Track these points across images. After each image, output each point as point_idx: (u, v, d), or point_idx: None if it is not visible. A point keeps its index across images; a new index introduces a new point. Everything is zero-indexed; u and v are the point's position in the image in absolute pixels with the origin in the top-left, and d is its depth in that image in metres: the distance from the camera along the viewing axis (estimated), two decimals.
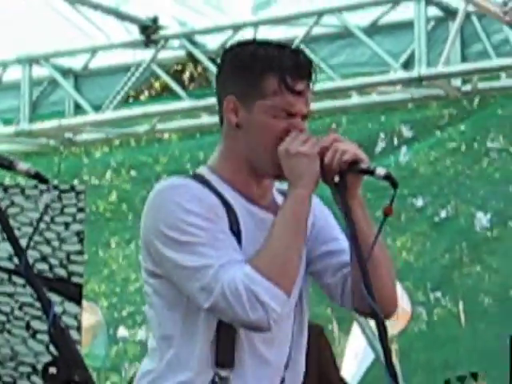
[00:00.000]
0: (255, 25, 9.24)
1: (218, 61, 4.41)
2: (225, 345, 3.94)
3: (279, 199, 4.03)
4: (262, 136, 4.02)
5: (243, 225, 3.89)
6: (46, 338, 5.59)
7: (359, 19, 9.11)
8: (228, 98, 4.03)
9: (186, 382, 3.91)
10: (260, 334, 3.85)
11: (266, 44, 4.25)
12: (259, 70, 4.01)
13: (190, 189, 3.90)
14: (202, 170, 4.05)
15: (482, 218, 9.68)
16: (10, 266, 7.90)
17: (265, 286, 3.68)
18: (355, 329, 10.00)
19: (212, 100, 9.22)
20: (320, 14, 9.10)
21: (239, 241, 3.83)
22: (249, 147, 4.03)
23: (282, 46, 4.17)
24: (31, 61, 10.13)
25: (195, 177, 4.01)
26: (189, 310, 3.98)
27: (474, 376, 6.46)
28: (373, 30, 9.10)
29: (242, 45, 4.42)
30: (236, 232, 3.83)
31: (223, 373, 3.89)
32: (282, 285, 3.70)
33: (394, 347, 8.92)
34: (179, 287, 3.88)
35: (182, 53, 9.93)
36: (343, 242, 3.97)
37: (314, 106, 9.23)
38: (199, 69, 10.27)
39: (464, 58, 8.91)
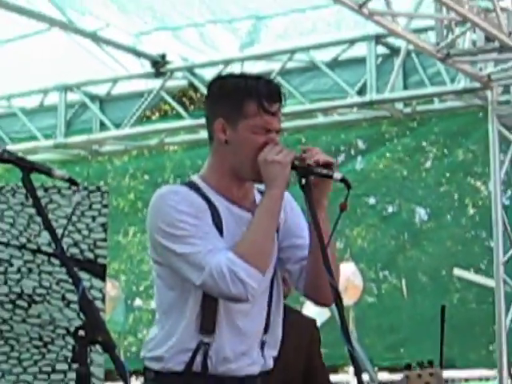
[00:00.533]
0: (242, 60, 9.26)
1: None
2: (207, 317, 4.10)
3: (258, 198, 4.16)
4: (245, 149, 4.12)
5: (224, 221, 4.03)
6: (77, 307, 5.62)
7: (323, 56, 9.13)
8: (217, 121, 4.12)
9: (176, 345, 4.10)
10: (238, 306, 4.00)
11: (243, 76, 4.52)
12: (241, 96, 4.13)
13: (181, 194, 4.08)
14: (195, 178, 4.19)
15: (421, 213, 9.71)
16: (49, 250, 7.94)
17: (243, 267, 3.85)
18: None
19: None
20: (293, 51, 9.13)
21: (221, 233, 3.99)
22: (235, 158, 4.13)
23: (257, 77, 4.33)
24: (66, 88, 10.15)
25: (188, 183, 4.18)
26: (183, 290, 4.12)
27: (430, 362, 6.46)
28: (334, 64, 9.13)
29: (225, 77, 4.59)
30: (219, 226, 3.99)
31: (206, 339, 4.04)
32: (258, 266, 3.87)
33: (350, 315, 8.95)
34: (177, 270, 4.03)
35: (184, 82, 9.95)
36: (306, 240, 4.10)
37: (288, 124, 9.33)
38: (198, 94, 10.28)
39: (405, 87, 8.94)
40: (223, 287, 3.90)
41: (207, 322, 4.02)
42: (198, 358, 4.09)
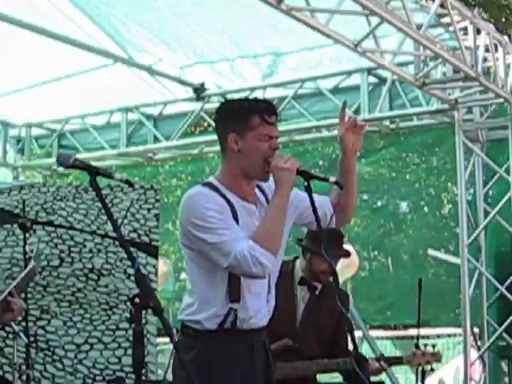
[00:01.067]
0: (263, 87, 9.32)
1: None
2: (234, 290, 4.30)
3: (257, 193, 4.46)
4: (254, 154, 4.34)
5: (239, 214, 4.25)
6: None
7: (327, 84, 9.18)
8: (230, 135, 4.32)
9: (212, 313, 4.27)
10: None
11: (245, 99, 5.09)
12: (246, 113, 4.36)
13: (205, 194, 4.28)
14: (212, 180, 4.41)
15: (403, 206, 9.74)
16: (113, 235, 8.06)
17: (261, 252, 4.05)
18: None
19: None
20: (303, 81, 9.16)
21: (237, 224, 4.21)
22: (246, 162, 4.32)
23: (256, 99, 4.72)
24: (127, 109, 10.21)
25: (208, 184, 4.35)
26: (211, 271, 4.32)
27: (433, 346, 6.52)
28: (335, 90, 9.15)
29: (229, 101, 5.01)
30: (235, 218, 4.21)
31: (234, 306, 4.24)
32: (272, 251, 4.08)
33: (348, 286, 9.05)
34: (206, 256, 4.21)
35: (218, 104, 10.03)
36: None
37: (300, 137, 9.46)
38: None
39: (391, 108, 8.98)
40: (246, 268, 4.10)
41: (234, 294, 4.28)
42: (229, 319, 4.28)
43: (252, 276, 4.20)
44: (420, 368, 6.95)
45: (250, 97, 9.41)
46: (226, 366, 4.29)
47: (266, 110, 4.34)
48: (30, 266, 4.23)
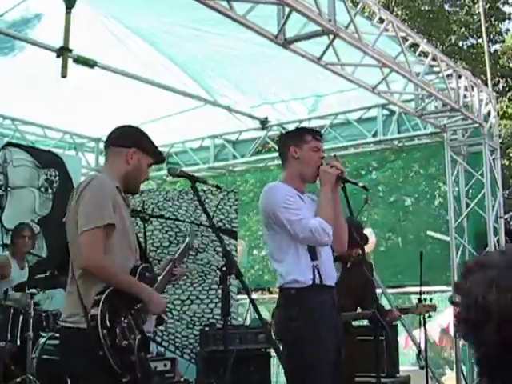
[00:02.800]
0: (309, 119, 9.30)
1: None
2: (312, 252, 4.22)
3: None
4: (308, 161, 4.40)
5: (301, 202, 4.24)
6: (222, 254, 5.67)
7: (354, 116, 9.15)
8: (291, 147, 4.37)
9: (303, 271, 4.18)
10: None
11: (301, 127, 5.57)
12: (302, 132, 4.53)
13: (283, 187, 4.30)
14: (279, 181, 4.45)
15: (408, 200, 9.73)
16: (207, 223, 8.08)
17: (327, 226, 4.09)
18: None
19: None
20: (336, 114, 9.18)
21: None
22: (302, 167, 4.38)
23: (306, 127, 4.80)
24: (214, 137, 10.31)
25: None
26: (291, 241, 4.22)
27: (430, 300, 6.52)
28: (359, 120, 9.15)
29: (284, 133, 5.03)
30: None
31: (315, 263, 4.14)
32: (331, 225, 4.11)
33: (371, 258, 8.98)
34: (288, 230, 4.12)
35: (277, 132, 9.98)
36: None
37: (337, 153, 9.40)
38: None
39: (399, 131, 8.96)
40: (318, 238, 4.10)
41: (313, 254, 4.17)
42: (317, 276, 4.16)
43: (322, 244, 4.19)
44: (422, 316, 6.96)
45: (299, 126, 9.51)
46: (324, 312, 4.21)
47: (314, 131, 4.55)
48: (186, 241, 4.21)
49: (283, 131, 9.70)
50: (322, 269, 4.20)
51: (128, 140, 3.73)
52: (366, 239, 6.22)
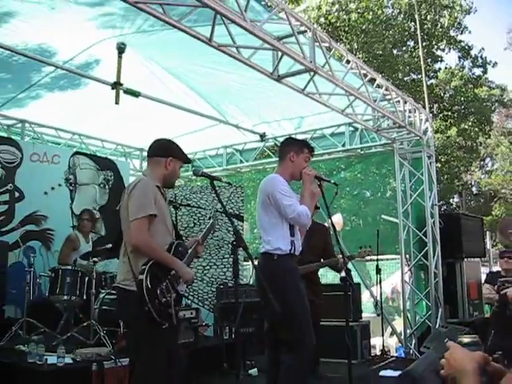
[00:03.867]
0: (295, 134, 9.25)
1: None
2: (291, 230, 4.25)
3: None
4: (299, 167, 4.42)
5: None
6: (232, 232, 5.66)
7: (328, 131, 9.15)
8: (291, 153, 4.39)
9: (284, 243, 4.23)
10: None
11: (303, 141, 4.88)
12: (304, 146, 4.50)
13: (280, 179, 4.30)
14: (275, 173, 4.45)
15: (367, 193, 9.59)
16: (221, 210, 8.06)
17: (308, 212, 4.16)
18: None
19: None
20: (315, 130, 9.25)
21: None
22: (294, 169, 4.40)
23: (307, 142, 4.81)
24: (226, 147, 10.25)
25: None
26: (280, 220, 4.23)
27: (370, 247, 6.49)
28: (332, 134, 9.11)
29: (292, 138, 5.04)
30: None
31: (292, 238, 4.19)
32: (310, 212, 4.17)
33: (341, 235, 8.91)
34: (281, 211, 4.15)
35: (272, 143, 9.93)
36: None
37: (315, 159, 9.36)
38: (276, 148, 10.31)
39: (361, 143, 8.96)
40: (302, 220, 4.17)
41: (292, 232, 4.31)
42: (292, 247, 4.17)
43: (303, 224, 4.25)
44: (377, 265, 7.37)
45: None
46: (296, 272, 4.30)
47: (311, 147, 4.53)
48: (210, 222, 4.21)
49: (277, 143, 9.71)
50: (295, 243, 4.27)
51: (165, 151, 3.84)
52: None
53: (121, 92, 6.31)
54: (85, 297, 6.24)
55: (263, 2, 5.47)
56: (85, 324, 5.99)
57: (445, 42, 22.13)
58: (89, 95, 7.74)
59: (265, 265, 4.23)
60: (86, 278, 6.32)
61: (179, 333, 3.96)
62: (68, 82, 7.53)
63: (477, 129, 22.26)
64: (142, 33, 6.15)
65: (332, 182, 4.53)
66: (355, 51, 19.23)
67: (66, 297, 6.20)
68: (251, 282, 8.85)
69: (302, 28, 5.52)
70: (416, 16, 15.01)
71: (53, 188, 8.32)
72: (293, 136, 9.42)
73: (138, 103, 7.16)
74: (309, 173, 4.35)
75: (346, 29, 20.01)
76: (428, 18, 21.33)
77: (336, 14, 19.46)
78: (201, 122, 8.75)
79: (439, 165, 19.48)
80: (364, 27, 19.85)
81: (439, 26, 21.60)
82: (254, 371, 6.35)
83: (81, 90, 7.71)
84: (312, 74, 5.82)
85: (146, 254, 3.50)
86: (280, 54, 5.50)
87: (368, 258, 10.78)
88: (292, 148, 4.43)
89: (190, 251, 3.90)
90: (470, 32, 22.25)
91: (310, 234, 5.67)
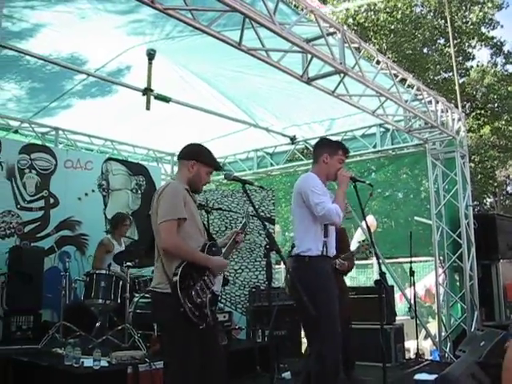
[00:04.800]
0: (325, 136, 9.25)
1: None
2: (325, 231, 4.23)
3: None
4: (333, 167, 4.44)
5: None
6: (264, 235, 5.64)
7: (359, 132, 9.11)
8: (325, 154, 4.41)
9: (317, 244, 4.24)
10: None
11: (338, 142, 4.84)
12: (338, 148, 4.50)
13: (315, 177, 4.32)
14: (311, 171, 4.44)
15: (400, 195, 9.54)
16: (253, 213, 8.11)
17: (339, 211, 4.12)
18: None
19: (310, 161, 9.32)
20: (345, 132, 9.26)
21: None
22: (329, 170, 4.42)
23: (341, 143, 4.74)
24: (257, 150, 10.24)
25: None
26: (313, 221, 4.22)
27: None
28: (363, 135, 9.08)
29: (326, 139, 5.05)
30: None
31: (325, 239, 4.19)
32: (342, 212, 4.16)
33: (374, 237, 8.83)
34: (311, 208, 4.15)
35: (303, 146, 9.92)
36: None
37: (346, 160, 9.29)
38: (306, 151, 10.21)
39: (392, 143, 8.89)
40: (332, 217, 4.13)
41: (325, 233, 4.13)
42: (325, 248, 4.15)
43: (333, 222, 4.19)
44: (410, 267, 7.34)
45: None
46: (327, 275, 4.26)
47: (346, 149, 4.52)
48: (243, 221, 4.21)
49: (307, 145, 9.69)
50: (328, 245, 4.25)
51: (189, 155, 3.87)
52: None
53: (151, 98, 6.37)
54: (119, 300, 6.30)
55: (292, 5, 5.47)
56: (119, 327, 6.06)
57: (476, 38, 21.79)
58: (120, 102, 7.84)
59: (297, 267, 4.22)
60: (121, 282, 6.39)
61: (218, 333, 3.94)
62: (99, 90, 7.65)
63: (511, 127, 21.86)
64: (171, 39, 6.22)
65: (367, 182, 4.51)
66: (384, 51, 19.07)
67: (100, 300, 6.27)
68: (283, 285, 8.83)
69: (331, 29, 5.50)
70: (447, 13, 14.83)
71: (86, 194, 8.45)
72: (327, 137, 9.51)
73: (168, 108, 7.22)
74: (344, 174, 4.35)
75: (375, 29, 19.86)
76: (458, 15, 21.05)
77: (364, 14, 19.34)
78: (231, 125, 8.78)
79: (472, 165, 19.17)
80: (393, 27, 19.68)
81: (470, 22, 21.29)
82: (287, 374, 6.32)
83: (112, 96, 7.81)
84: (342, 75, 5.79)
85: (177, 256, 3.53)
86: (309, 56, 5.49)
87: (401, 260, 10.62)
88: (326, 150, 4.42)
89: (229, 242, 3.95)
90: (502, 27, 21.86)
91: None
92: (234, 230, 4.11)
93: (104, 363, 5.09)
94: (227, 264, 3.86)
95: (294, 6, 5.40)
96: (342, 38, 5.57)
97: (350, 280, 10.44)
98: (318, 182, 4.26)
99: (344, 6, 18.61)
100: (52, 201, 8.06)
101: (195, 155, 3.85)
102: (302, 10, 5.22)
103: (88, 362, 5.04)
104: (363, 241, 6.26)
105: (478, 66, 22.74)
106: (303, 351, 7.88)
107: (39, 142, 8.68)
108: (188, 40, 6.13)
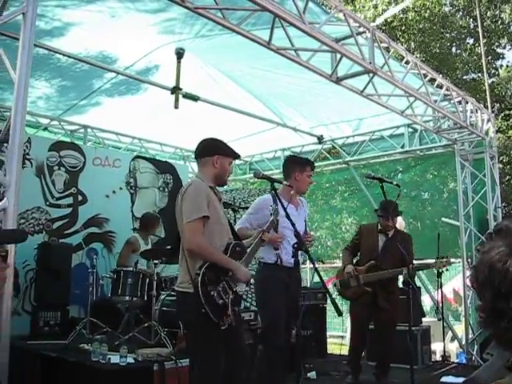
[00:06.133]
0: (353, 136, 9.20)
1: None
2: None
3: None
4: (304, 183, 4.80)
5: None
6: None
7: (386, 132, 9.04)
8: (296, 172, 4.85)
9: (271, 255, 4.66)
10: None
11: (303, 158, 5.43)
12: (305, 165, 4.92)
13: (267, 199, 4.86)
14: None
15: (426, 195, 9.43)
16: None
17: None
18: None
19: (338, 160, 9.22)
20: (373, 132, 9.14)
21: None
22: (298, 186, 4.81)
23: (308, 159, 5.26)
24: (284, 149, 10.19)
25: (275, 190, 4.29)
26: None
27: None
28: (391, 136, 9.03)
29: (294, 156, 5.72)
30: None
31: (277, 251, 4.01)
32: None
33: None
34: None
35: (329, 146, 9.88)
36: None
37: (374, 161, 9.17)
38: (334, 150, 10.19)
39: (420, 144, 8.83)
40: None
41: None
42: (278, 258, 4.39)
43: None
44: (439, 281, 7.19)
45: (346, 142, 9.37)
46: (279, 280, 4.48)
47: (312, 164, 4.95)
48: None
49: (334, 145, 9.64)
50: (283, 255, 4.57)
51: (210, 150, 3.83)
52: (399, 214, 6.27)
53: (180, 96, 6.39)
54: (145, 298, 6.33)
55: (321, 4, 5.43)
56: (146, 325, 6.08)
57: (506, 38, 21.46)
58: (148, 100, 7.88)
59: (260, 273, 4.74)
60: (147, 280, 6.41)
61: (243, 332, 3.92)
62: (127, 88, 7.69)
63: None
64: (200, 37, 6.22)
65: (394, 183, 4.49)
66: (412, 50, 18.88)
67: (127, 297, 6.30)
68: (309, 285, 8.77)
69: (361, 29, 5.45)
70: (477, 12, 14.61)
71: (114, 191, 8.51)
72: (350, 139, 9.45)
73: (196, 107, 7.23)
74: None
75: (403, 28, 19.66)
76: (488, 14, 20.75)
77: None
78: (258, 124, 8.77)
79: (501, 165, 18.89)
80: (421, 26, 19.46)
81: (500, 22, 20.97)
82: (312, 374, 6.30)
83: (140, 95, 7.85)
84: (371, 75, 5.74)
85: (201, 257, 3.53)
86: (339, 55, 5.45)
87: (429, 261, 10.53)
88: (296, 167, 4.85)
89: (255, 241, 3.95)
90: None
91: (391, 242, 5.59)
92: (259, 229, 4.10)
93: (130, 360, 5.11)
94: (250, 277, 3.80)
95: (323, 4, 5.36)
96: (372, 38, 5.52)
97: None
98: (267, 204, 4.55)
99: (372, 4, 18.45)
100: (80, 198, 8.13)
101: (217, 149, 3.83)
102: (331, 9, 5.18)
103: (114, 358, 5.06)
104: (442, 257, 6.10)
105: (507, 66, 22.42)
106: (328, 351, 7.87)
107: (68, 140, 8.77)
108: (217, 39, 6.12)
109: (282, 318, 4.42)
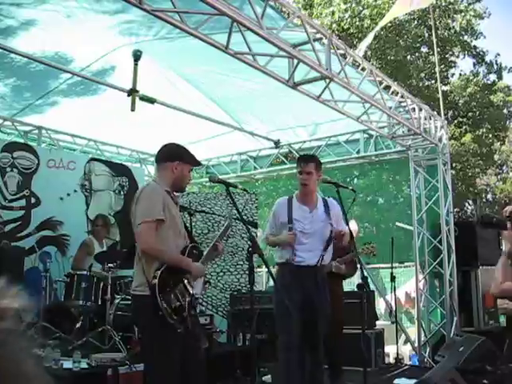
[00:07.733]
0: (310, 141, 9.30)
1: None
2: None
3: None
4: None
5: None
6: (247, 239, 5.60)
7: (343, 138, 9.14)
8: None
9: (284, 253, 4.64)
10: None
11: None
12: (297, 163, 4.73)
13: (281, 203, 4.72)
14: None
15: (381, 200, 9.59)
16: (236, 216, 8.07)
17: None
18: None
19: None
20: (329, 137, 9.26)
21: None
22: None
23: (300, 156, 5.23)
24: (241, 153, 10.19)
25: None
26: None
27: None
28: (346, 141, 9.14)
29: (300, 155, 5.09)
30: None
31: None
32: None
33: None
34: None
35: (286, 150, 9.93)
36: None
37: (331, 165, 9.27)
38: (291, 155, 10.23)
39: (376, 150, 8.96)
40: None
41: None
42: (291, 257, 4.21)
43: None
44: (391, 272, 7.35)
45: (302, 146, 9.44)
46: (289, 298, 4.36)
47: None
48: (226, 224, 4.22)
49: (291, 150, 9.72)
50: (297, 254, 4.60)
51: (171, 156, 3.80)
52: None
53: (137, 99, 6.34)
54: (100, 302, 6.26)
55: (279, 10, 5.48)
56: (100, 329, 6.02)
57: (459, 47, 22.02)
58: (105, 102, 7.79)
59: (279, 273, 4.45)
60: (101, 284, 6.35)
61: (199, 335, 3.91)
62: (84, 89, 7.59)
63: (491, 135, 22.13)
64: (158, 40, 6.20)
65: (350, 188, 4.55)
66: (368, 58, 19.19)
67: (81, 302, 6.24)
68: (264, 289, 8.82)
69: (318, 35, 5.52)
70: (432, 22, 14.94)
71: (68, 194, 8.38)
72: (307, 143, 9.53)
73: (153, 109, 7.19)
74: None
75: (359, 35, 19.97)
76: (441, 22, 21.25)
77: (349, 20, 19.44)
78: (216, 128, 8.77)
79: (454, 172, 19.36)
80: (377, 33, 19.80)
81: (453, 31, 21.51)
82: (267, 378, 6.33)
83: (97, 96, 7.77)
84: (328, 81, 5.82)
85: (155, 257, 3.51)
86: (296, 61, 5.51)
87: (382, 265, 10.65)
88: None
89: (207, 249, 3.93)
90: (484, 37, 22.12)
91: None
92: (215, 233, 4.12)
93: (84, 365, 5.05)
94: (204, 269, 3.82)
95: (282, 11, 5.41)
96: (329, 44, 5.60)
97: None
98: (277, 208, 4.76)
99: (329, 11, 18.69)
100: (33, 200, 7.98)
101: (179, 156, 3.80)
102: (289, 15, 5.23)
103: (67, 363, 5.00)
104: (368, 243, 6.23)
105: (461, 74, 23.00)
106: None
107: (21, 141, 8.59)
108: (176, 42, 6.12)
109: (295, 343, 4.52)
